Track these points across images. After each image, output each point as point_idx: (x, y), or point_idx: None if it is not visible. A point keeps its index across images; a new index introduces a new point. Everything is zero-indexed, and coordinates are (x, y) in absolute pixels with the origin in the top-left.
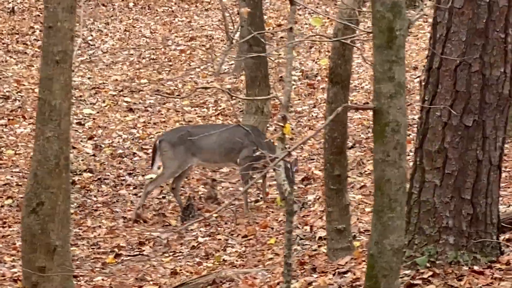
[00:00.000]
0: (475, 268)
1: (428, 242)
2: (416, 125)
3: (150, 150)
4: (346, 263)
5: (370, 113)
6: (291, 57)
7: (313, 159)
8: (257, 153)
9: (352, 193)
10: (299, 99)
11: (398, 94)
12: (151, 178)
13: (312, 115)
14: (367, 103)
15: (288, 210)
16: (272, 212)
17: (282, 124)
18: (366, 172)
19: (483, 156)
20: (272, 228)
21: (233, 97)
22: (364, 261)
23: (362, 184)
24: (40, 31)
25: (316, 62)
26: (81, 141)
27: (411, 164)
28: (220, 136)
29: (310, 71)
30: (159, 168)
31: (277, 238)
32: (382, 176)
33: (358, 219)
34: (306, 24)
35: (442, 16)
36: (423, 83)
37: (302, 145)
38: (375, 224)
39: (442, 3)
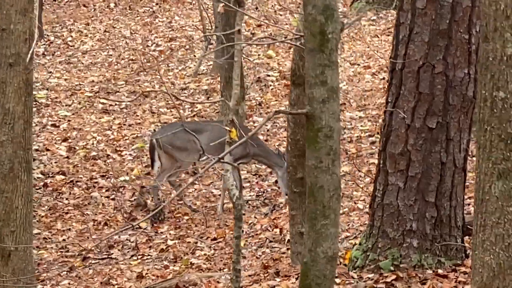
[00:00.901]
0: (439, 271)
1: (391, 246)
2: None
3: (124, 152)
4: None
5: (346, 113)
6: (239, 60)
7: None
8: (203, 158)
9: None
10: (276, 100)
11: (331, 99)
12: (125, 180)
13: (288, 117)
14: (344, 103)
15: (237, 215)
16: (244, 214)
17: (229, 129)
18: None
19: (447, 159)
20: (242, 231)
21: (180, 100)
22: None
23: None
24: None
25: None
26: (55, 143)
27: None
28: (212, 132)
29: (288, 71)
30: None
31: (246, 240)
32: (315, 182)
33: None
34: (286, 24)
35: (405, 17)
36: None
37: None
38: (308, 231)
39: (405, 3)
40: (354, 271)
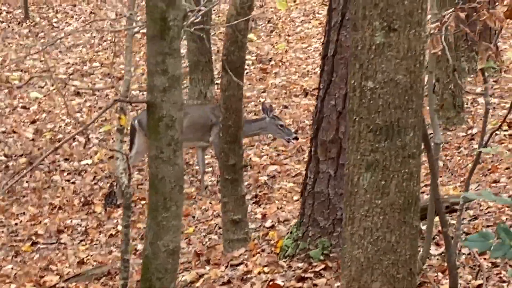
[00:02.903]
0: None
1: (322, 234)
2: None
3: (91, 135)
4: (240, 255)
5: None
6: (130, 45)
7: (253, 146)
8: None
9: (285, 181)
10: (249, 84)
11: (172, 87)
12: (87, 164)
13: (260, 100)
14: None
15: (125, 204)
16: (201, 199)
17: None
18: (305, 160)
19: None
20: (194, 217)
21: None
22: (258, 252)
23: (298, 171)
24: None
25: (274, 46)
26: (23, 125)
27: None
28: (192, 114)
29: (266, 55)
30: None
31: (196, 227)
32: (156, 173)
33: (281, 208)
34: (272, 8)
35: (337, 2)
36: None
37: None
38: (150, 224)
39: None
40: (284, 260)
